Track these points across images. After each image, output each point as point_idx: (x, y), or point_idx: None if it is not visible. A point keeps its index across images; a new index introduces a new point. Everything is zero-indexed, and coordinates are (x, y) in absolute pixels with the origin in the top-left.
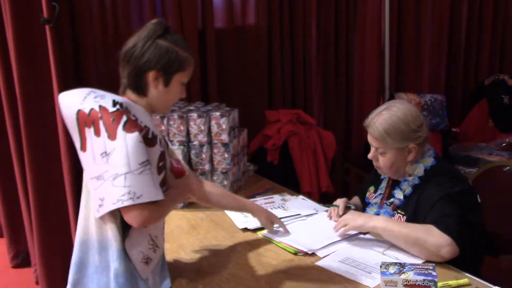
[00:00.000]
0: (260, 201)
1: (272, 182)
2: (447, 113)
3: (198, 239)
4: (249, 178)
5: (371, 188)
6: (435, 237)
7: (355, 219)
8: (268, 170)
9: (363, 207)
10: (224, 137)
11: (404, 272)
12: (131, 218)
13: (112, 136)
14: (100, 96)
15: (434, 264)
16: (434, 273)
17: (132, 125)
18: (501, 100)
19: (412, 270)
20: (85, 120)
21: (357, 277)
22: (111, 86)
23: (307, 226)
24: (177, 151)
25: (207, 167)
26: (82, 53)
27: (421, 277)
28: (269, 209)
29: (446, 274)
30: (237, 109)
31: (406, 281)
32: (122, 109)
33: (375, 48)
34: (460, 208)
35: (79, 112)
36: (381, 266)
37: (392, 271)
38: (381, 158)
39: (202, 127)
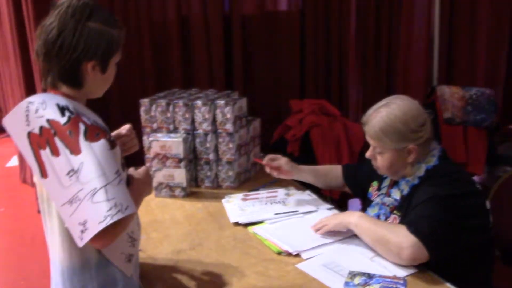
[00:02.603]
0: (262, 194)
1: None
2: (497, 108)
3: (187, 230)
4: (261, 169)
5: (374, 184)
6: (399, 237)
7: (334, 217)
8: None
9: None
10: (229, 126)
11: (369, 285)
12: (111, 237)
13: (75, 150)
14: (41, 106)
15: (405, 278)
16: None
17: (94, 132)
18: None
19: (380, 283)
20: (38, 142)
21: (334, 283)
22: None
23: (302, 224)
24: (179, 139)
25: (211, 156)
26: None
27: None
28: (269, 204)
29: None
30: (246, 98)
31: None
32: (74, 116)
33: (424, 35)
34: (448, 212)
35: (30, 135)
36: (347, 275)
37: (356, 282)
38: (379, 158)
39: (207, 116)
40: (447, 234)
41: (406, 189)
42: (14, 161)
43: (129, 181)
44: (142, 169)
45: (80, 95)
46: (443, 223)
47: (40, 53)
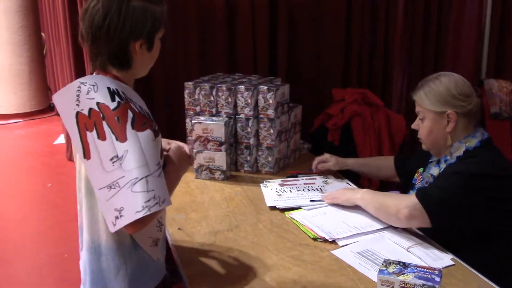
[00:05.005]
0: (300, 181)
1: None
2: None
3: (225, 212)
4: (301, 156)
5: (421, 170)
6: (399, 199)
7: (343, 192)
8: (328, 150)
9: (405, 185)
10: (271, 112)
11: (404, 273)
12: (142, 225)
13: (121, 137)
14: (92, 88)
15: (441, 269)
16: (437, 279)
17: (141, 121)
18: None
19: (414, 273)
20: (86, 123)
21: (368, 271)
22: None
23: (338, 212)
24: (221, 123)
25: (252, 141)
26: None
27: (421, 281)
28: (307, 190)
29: (467, 281)
30: (288, 85)
31: (403, 283)
32: (123, 102)
33: (474, 26)
34: (470, 190)
35: (78, 115)
36: (382, 264)
37: (391, 271)
38: (421, 125)
39: (249, 101)
40: (459, 209)
41: (444, 167)
42: (61, 139)
43: (166, 164)
44: (178, 153)
45: (129, 76)
46: (459, 197)
47: (87, 38)
